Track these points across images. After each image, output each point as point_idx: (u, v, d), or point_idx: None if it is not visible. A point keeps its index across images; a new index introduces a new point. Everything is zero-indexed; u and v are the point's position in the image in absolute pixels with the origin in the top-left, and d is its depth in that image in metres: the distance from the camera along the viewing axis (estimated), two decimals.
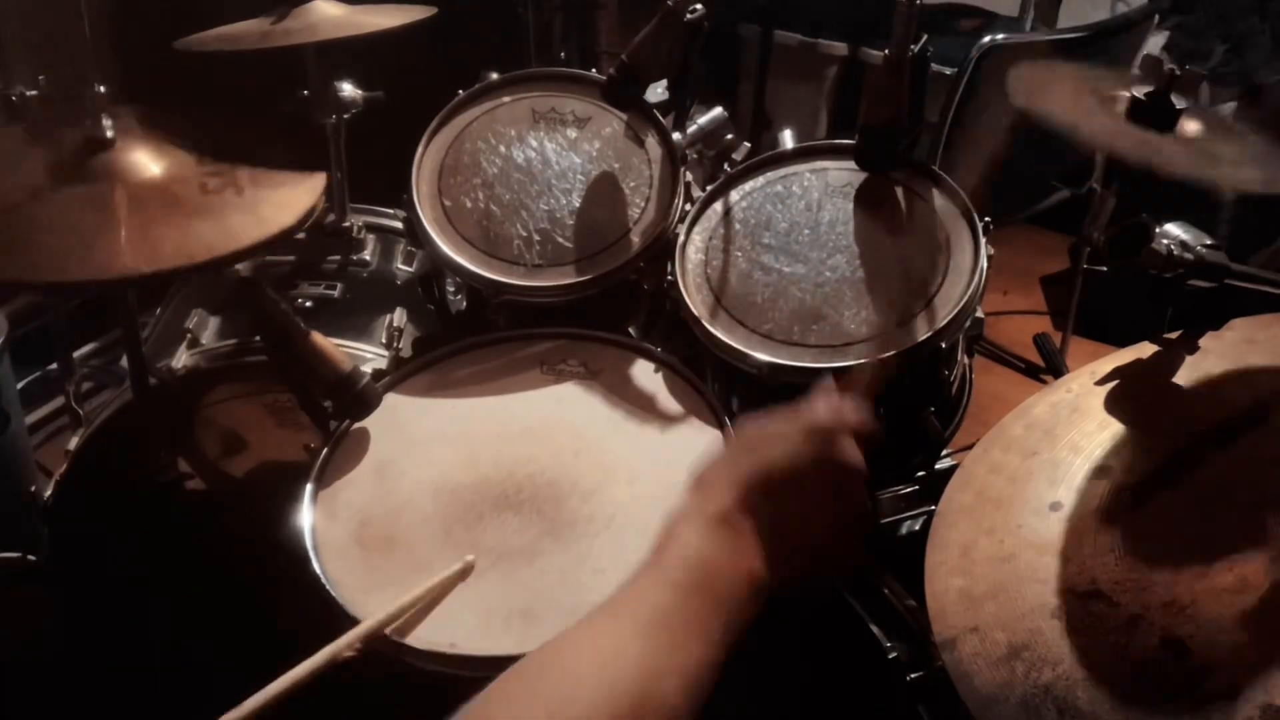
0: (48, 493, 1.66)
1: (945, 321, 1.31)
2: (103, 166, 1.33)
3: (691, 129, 1.60)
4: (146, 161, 1.35)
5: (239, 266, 1.69)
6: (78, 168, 1.33)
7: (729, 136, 1.62)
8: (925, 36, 1.43)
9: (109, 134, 1.34)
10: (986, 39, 2.10)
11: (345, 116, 1.75)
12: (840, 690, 1.33)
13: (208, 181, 1.33)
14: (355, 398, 1.28)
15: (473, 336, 1.44)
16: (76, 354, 2.25)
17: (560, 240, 1.48)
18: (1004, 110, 1.36)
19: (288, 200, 1.34)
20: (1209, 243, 1.05)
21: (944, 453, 1.47)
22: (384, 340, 1.68)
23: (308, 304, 1.69)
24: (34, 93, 1.56)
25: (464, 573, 1.13)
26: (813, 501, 0.80)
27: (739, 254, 1.44)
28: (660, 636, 0.70)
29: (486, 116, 1.58)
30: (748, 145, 1.62)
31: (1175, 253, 1.04)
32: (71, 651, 1.60)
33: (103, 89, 1.35)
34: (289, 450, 1.55)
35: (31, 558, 1.60)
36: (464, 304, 1.59)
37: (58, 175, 1.32)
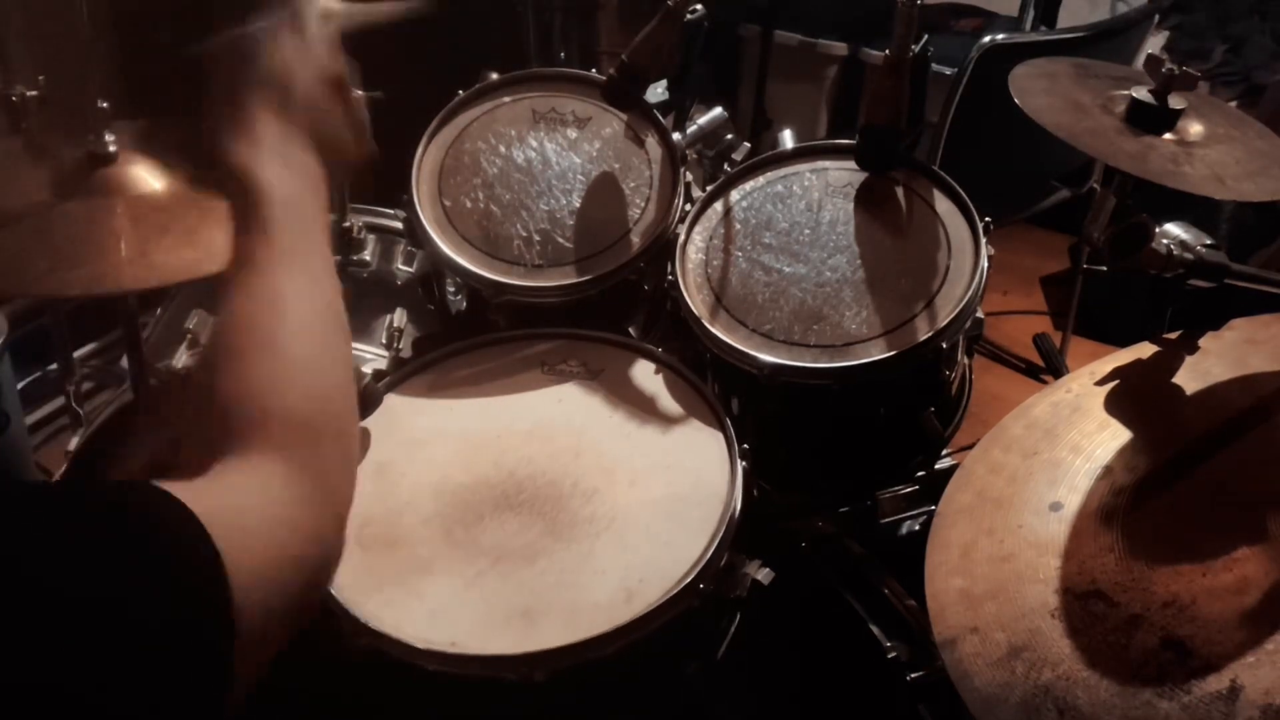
0: None
1: (946, 322, 1.31)
2: (104, 181, 1.33)
3: (691, 129, 1.60)
4: (147, 176, 1.35)
5: None
6: (79, 182, 1.33)
7: (729, 136, 1.61)
8: (925, 37, 1.43)
9: (111, 149, 1.34)
10: (986, 39, 2.10)
11: None
12: (840, 690, 1.33)
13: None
14: (356, 398, 1.28)
15: (473, 337, 1.44)
16: (76, 354, 2.25)
17: (560, 240, 1.48)
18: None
19: None
20: (1209, 243, 1.05)
21: (944, 453, 1.47)
22: (384, 340, 1.67)
23: None
24: (34, 93, 1.56)
25: None
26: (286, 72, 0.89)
27: (739, 254, 1.45)
28: (301, 272, 0.82)
29: (486, 117, 1.58)
30: (748, 145, 1.62)
31: (1175, 253, 1.04)
32: None
33: (104, 104, 1.35)
34: None
35: None
36: (464, 304, 1.59)
37: (59, 190, 1.32)
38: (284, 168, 0.84)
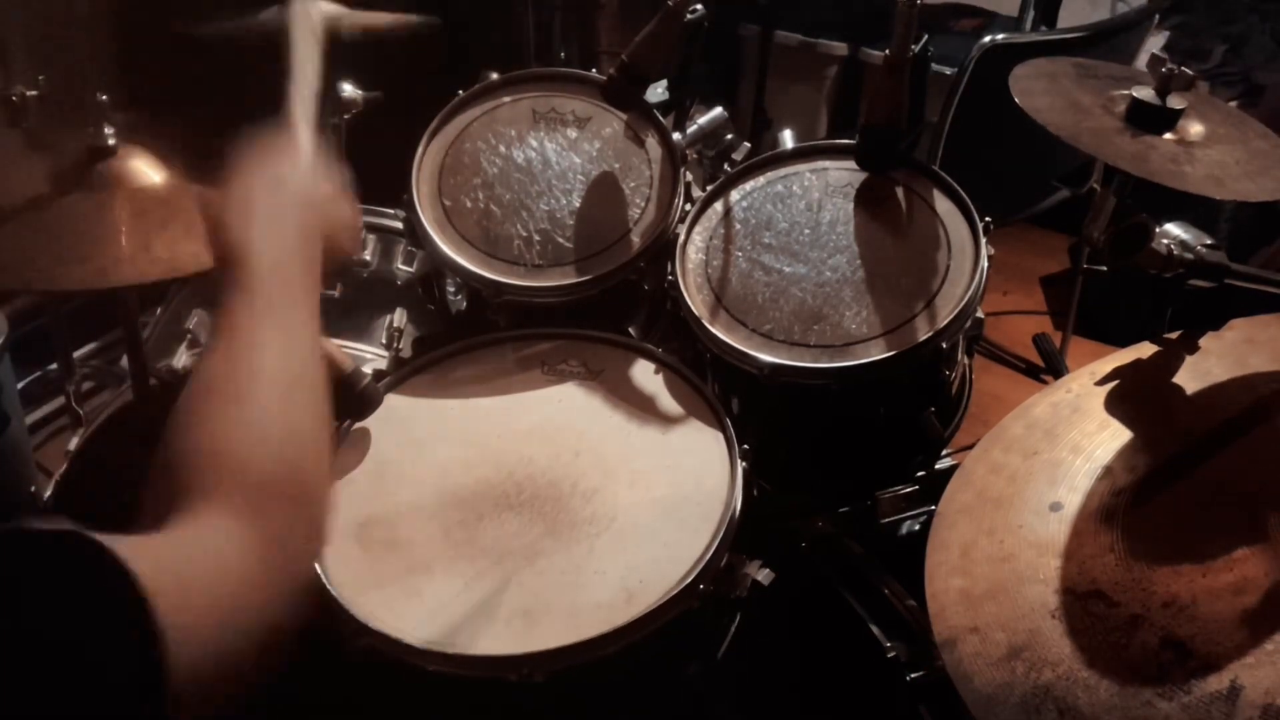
0: (48, 493, 1.66)
1: (946, 322, 1.31)
2: (104, 174, 1.33)
3: (691, 129, 1.60)
4: (147, 169, 1.35)
5: None
6: (79, 175, 1.33)
7: (729, 136, 1.61)
8: (925, 36, 1.43)
9: (110, 142, 1.34)
10: (986, 39, 2.10)
11: (345, 116, 1.75)
12: (840, 690, 1.33)
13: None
14: (356, 398, 1.28)
15: (473, 337, 1.44)
16: (76, 354, 2.24)
17: (560, 240, 1.48)
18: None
19: None
20: (1209, 243, 1.05)
21: (944, 453, 1.47)
22: (384, 340, 1.67)
23: None
24: (34, 93, 1.56)
25: None
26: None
27: (739, 254, 1.44)
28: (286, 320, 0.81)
29: (487, 116, 1.58)
30: (748, 145, 1.62)
31: (1175, 253, 1.04)
32: None
33: (104, 97, 1.35)
34: None
35: None
36: (464, 304, 1.59)
37: (59, 183, 1.32)
38: (274, 235, 0.85)
